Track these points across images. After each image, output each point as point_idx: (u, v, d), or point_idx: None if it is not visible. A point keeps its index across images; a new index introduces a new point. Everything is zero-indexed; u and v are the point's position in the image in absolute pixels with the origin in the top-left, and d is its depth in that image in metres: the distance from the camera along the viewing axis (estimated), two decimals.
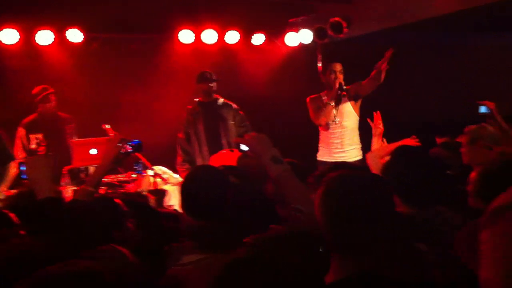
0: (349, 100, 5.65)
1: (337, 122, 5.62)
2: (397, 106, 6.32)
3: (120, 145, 3.11)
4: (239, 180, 2.99)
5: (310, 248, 1.80)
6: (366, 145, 5.19)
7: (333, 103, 5.55)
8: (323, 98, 5.68)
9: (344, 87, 5.52)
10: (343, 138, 5.71)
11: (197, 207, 2.53)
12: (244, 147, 2.81)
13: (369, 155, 4.00)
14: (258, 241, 1.78)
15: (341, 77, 5.56)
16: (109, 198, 2.82)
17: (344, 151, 5.71)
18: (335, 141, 5.72)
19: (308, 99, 5.78)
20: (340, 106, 5.61)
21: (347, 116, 5.68)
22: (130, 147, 3.20)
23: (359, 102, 5.71)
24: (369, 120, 4.87)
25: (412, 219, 2.32)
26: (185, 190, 2.60)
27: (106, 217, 2.47)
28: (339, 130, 5.69)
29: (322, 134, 5.85)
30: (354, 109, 5.70)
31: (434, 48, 6.26)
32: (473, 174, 2.44)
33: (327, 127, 5.70)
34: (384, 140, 4.72)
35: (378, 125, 4.75)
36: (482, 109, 4.12)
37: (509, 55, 6.95)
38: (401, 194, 2.39)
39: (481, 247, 0.93)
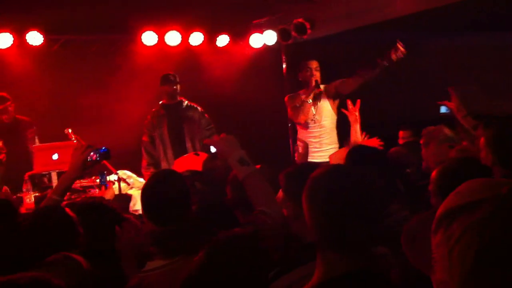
0: (328, 98, 5.64)
1: (315, 121, 5.60)
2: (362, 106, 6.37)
3: (87, 153, 3.06)
4: (203, 185, 2.98)
5: (263, 249, 1.78)
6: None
7: (310, 101, 5.52)
8: (301, 96, 5.67)
9: (321, 85, 5.52)
10: (322, 138, 5.70)
11: (158, 212, 2.49)
12: (212, 149, 2.81)
13: (332, 156, 4.04)
14: (215, 245, 1.76)
15: (317, 74, 5.56)
16: (57, 206, 2.78)
17: (322, 150, 5.70)
18: (314, 140, 5.70)
19: (286, 97, 5.76)
20: (319, 105, 5.60)
21: (326, 115, 5.67)
22: (97, 155, 3.14)
23: (337, 101, 5.69)
24: (343, 110, 4.88)
25: None
26: (146, 195, 2.56)
27: (57, 224, 2.44)
28: (318, 130, 5.67)
29: (301, 133, 5.83)
30: (332, 108, 5.69)
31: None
32: (433, 174, 2.47)
33: (306, 125, 5.68)
34: (364, 134, 4.77)
35: (353, 112, 4.77)
36: (443, 109, 4.18)
37: (468, 54, 7.10)
38: None
39: (434, 251, 0.93)
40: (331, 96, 5.65)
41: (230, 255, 1.69)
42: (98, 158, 3.14)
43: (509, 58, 6.14)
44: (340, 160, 3.83)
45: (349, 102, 4.91)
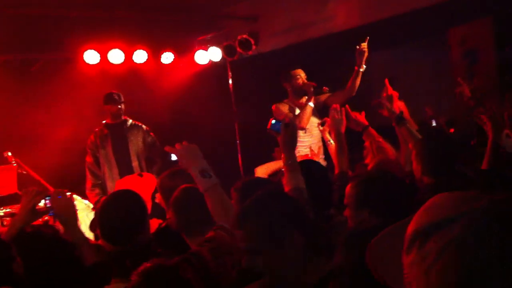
0: (317, 112, 5.59)
1: (306, 131, 5.54)
2: None
3: (36, 200, 2.93)
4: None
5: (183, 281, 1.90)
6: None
7: (312, 104, 5.41)
8: (295, 102, 5.55)
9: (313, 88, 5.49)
10: (312, 147, 5.62)
11: (113, 232, 2.46)
12: (174, 157, 2.74)
13: (257, 169, 4.04)
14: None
15: (306, 82, 5.50)
16: None
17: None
18: (305, 150, 5.62)
19: (274, 106, 5.61)
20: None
21: (315, 125, 5.60)
22: (48, 202, 3.02)
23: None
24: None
25: None
26: (101, 216, 2.52)
27: None
28: (308, 139, 5.57)
29: None
30: (319, 119, 5.62)
31: (339, 62, 6.46)
32: (348, 188, 2.50)
33: (305, 131, 5.57)
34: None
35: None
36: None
37: (410, 67, 7.30)
38: None
39: (407, 271, 0.90)
40: (319, 107, 5.59)
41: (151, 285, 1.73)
42: (49, 206, 3.00)
43: (443, 69, 6.35)
44: (263, 174, 3.84)
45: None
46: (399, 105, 4.01)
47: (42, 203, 2.96)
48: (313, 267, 1.88)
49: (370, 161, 3.88)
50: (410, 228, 0.91)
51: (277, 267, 1.88)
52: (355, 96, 5.20)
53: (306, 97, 5.38)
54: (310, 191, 2.56)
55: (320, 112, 5.52)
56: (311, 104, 5.34)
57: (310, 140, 5.52)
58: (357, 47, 4.99)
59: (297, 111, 5.47)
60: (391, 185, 2.42)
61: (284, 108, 5.51)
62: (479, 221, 0.83)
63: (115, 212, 2.47)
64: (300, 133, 5.47)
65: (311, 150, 5.24)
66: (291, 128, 2.73)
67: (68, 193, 2.98)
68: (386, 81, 4.13)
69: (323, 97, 5.48)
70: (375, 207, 2.33)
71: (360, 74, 5.12)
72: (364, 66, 5.08)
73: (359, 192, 2.41)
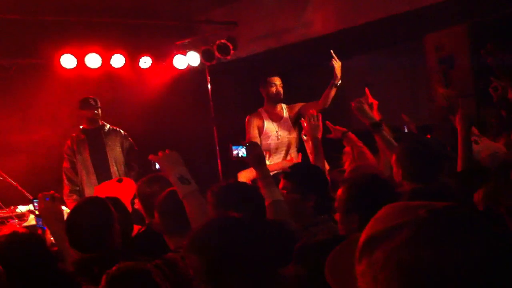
0: (290, 118, 5.59)
1: (278, 138, 5.54)
2: None
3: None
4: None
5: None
6: None
7: (337, 85, 5.31)
8: (262, 117, 5.55)
9: (284, 105, 5.52)
10: (283, 153, 5.61)
11: (80, 239, 2.49)
12: (157, 165, 2.77)
13: (241, 174, 4.06)
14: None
15: (281, 90, 5.50)
16: None
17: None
18: (275, 158, 5.60)
19: (247, 118, 5.60)
20: (281, 122, 5.55)
21: (289, 132, 5.60)
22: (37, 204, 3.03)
23: (296, 123, 5.63)
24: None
25: None
26: (68, 223, 2.55)
27: None
28: (281, 147, 5.56)
29: (265, 147, 5.60)
30: (294, 126, 5.62)
31: (317, 67, 6.51)
32: (339, 192, 2.53)
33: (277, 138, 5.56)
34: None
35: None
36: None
37: (386, 73, 7.38)
38: None
39: (359, 280, 0.92)
40: (293, 117, 5.61)
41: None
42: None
43: (419, 75, 6.43)
44: (247, 179, 3.85)
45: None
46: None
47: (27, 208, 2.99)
48: None
49: (349, 166, 3.91)
50: (362, 238, 0.94)
51: None
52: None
53: (332, 80, 5.24)
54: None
55: (296, 117, 5.56)
56: (337, 84, 5.15)
57: (283, 148, 5.54)
58: (329, 64, 5.04)
59: (267, 124, 5.50)
60: (380, 189, 2.45)
61: (256, 121, 5.53)
62: (418, 230, 0.86)
63: (82, 220, 2.51)
64: (274, 139, 5.52)
65: (291, 157, 5.27)
66: (254, 148, 2.89)
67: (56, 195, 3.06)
68: (367, 90, 4.17)
69: (297, 106, 5.52)
70: (364, 211, 2.34)
71: (335, 88, 5.17)
72: (340, 81, 5.13)
73: (348, 196, 2.44)
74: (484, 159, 3.47)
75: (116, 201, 3.05)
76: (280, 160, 5.48)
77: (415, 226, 0.87)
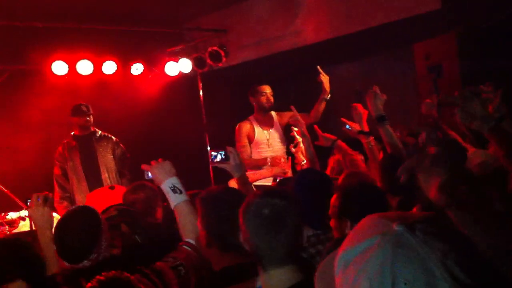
0: (280, 126, 5.60)
1: (269, 145, 5.55)
2: None
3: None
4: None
5: None
6: None
7: (327, 99, 5.34)
8: (252, 123, 5.58)
9: (273, 113, 5.55)
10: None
11: (69, 250, 2.46)
12: (149, 174, 2.78)
13: (231, 182, 4.07)
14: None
15: (271, 98, 5.53)
16: None
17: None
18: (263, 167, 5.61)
19: (237, 126, 5.61)
20: (272, 130, 5.57)
21: (278, 141, 5.60)
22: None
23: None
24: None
25: None
26: (57, 233, 2.52)
27: None
28: (271, 154, 5.56)
29: (255, 155, 5.61)
30: (283, 135, 5.64)
31: (308, 76, 6.55)
32: (333, 198, 2.56)
33: (268, 145, 5.59)
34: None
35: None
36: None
37: (375, 81, 7.42)
38: None
39: None
40: (283, 125, 5.63)
41: None
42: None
43: (409, 83, 6.48)
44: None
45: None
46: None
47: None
48: None
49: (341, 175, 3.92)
50: (339, 251, 0.96)
51: None
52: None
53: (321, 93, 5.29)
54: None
55: (284, 130, 5.60)
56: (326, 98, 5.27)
57: (272, 155, 5.55)
58: (317, 79, 5.10)
59: (258, 132, 5.52)
60: (371, 196, 2.48)
61: (246, 129, 5.55)
62: (386, 244, 0.87)
63: (69, 231, 2.47)
64: (264, 147, 5.55)
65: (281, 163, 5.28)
66: (233, 156, 2.93)
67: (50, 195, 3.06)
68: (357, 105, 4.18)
69: (287, 117, 5.52)
70: (356, 218, 2.37)
71: (324, 102, 5.22)
72: (329, 95, 5.18)
73: (341, 203, 2.47)
74: (475, 167, 3.50)
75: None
76: (272, 167, 5.49)
77: (384, 241, 0.88)
